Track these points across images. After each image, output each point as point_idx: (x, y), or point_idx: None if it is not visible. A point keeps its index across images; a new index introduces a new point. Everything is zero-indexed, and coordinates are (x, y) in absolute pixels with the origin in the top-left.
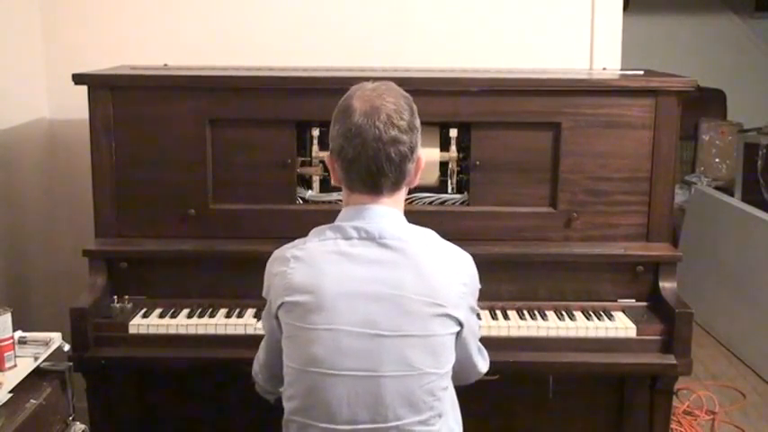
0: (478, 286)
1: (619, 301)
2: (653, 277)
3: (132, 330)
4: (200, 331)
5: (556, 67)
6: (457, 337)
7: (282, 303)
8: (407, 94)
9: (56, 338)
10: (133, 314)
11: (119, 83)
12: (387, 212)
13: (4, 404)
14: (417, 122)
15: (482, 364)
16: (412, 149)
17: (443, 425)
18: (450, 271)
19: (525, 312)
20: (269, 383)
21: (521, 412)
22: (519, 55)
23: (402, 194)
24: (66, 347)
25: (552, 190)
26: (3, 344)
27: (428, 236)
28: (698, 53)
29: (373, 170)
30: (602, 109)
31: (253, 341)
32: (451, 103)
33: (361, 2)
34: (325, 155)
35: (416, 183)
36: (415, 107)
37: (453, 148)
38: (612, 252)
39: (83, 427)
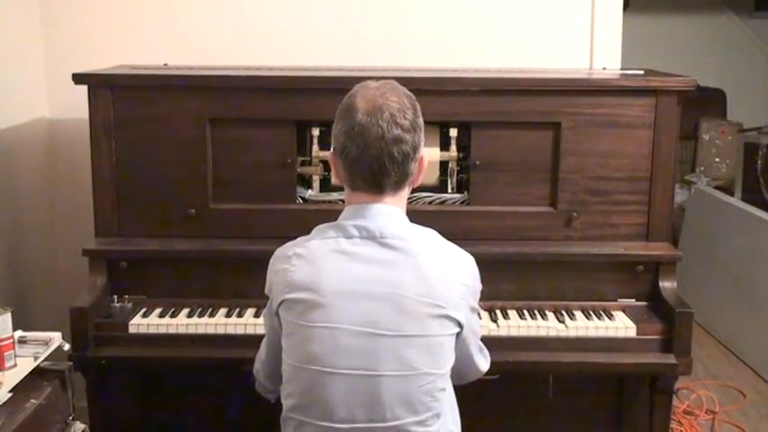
0: (480, 287)
1: (619, 300)
2: (653, 277)
3: (132, 330)
4: (200, 331)
5: (556, 67)
6: (456, 338)
7: (283, 301)
8: (410, 93)
9: (56, 338)
10: (133, 314)
11: (119, 83)
12: (388, 211)
13: (4, 404)
14: (420, 121)
15: (483, 363)
16: (415, 149)
17: (441, 426)
18: (451, 272)
19: (525, 312)
20: (269, 381)
21: (521, 412)
22: (519, 55)
23: (405, 194)
24: (67, 347)
25: (552, 190)
26: (3, 343)
27: (430, 236)
28: (698, 53)
29: (376, 169)
30: (602, 109)
31: (253, 341)
32: (451, 103)
33: (361, 2)
34: (324, 154)
35: (420, 182)
36: (418, 106)
37: (453, 147)
38: (612, 252)
39: (83, 426)
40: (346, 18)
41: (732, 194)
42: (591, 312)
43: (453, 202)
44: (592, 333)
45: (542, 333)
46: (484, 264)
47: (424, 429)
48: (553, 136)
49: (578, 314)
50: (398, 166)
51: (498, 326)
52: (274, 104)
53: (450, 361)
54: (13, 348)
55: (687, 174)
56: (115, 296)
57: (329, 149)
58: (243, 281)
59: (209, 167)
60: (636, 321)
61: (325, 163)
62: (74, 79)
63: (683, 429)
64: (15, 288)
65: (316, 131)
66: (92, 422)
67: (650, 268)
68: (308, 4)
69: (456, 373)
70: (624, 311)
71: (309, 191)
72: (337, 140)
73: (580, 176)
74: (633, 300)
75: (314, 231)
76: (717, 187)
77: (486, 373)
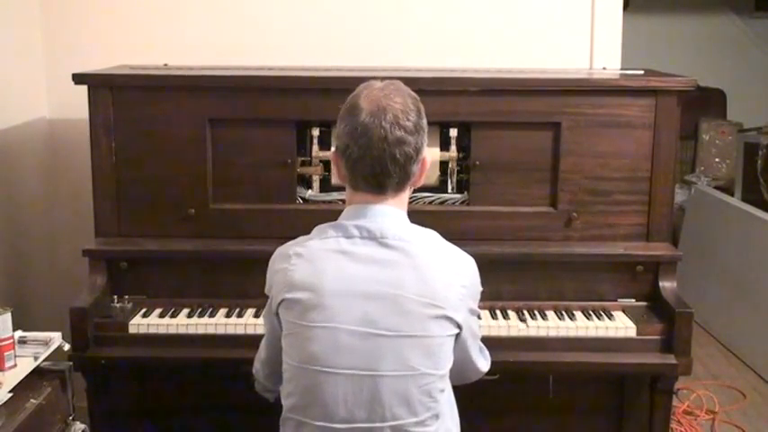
0: (480, 289)
1: (619, 300)
2: (653, 277)
3: (132, 330)
4: (200, 331)
5: (556, 67)
6: (456, 339)
7: (283, 300)
8: (415, 95)
9: (56, 338)
10: (133, 314)
11: (119, 83)
12: (389, 212)
13: (4, 404)
14: (424, 123)
15: (483, 363)
16: (417, 150)
17: (440, 426)
18: (451, 273)
19: (525, 312)
20: (269, 381)
21: (521, 412)
22: (519, 55)
23: (406, 195)
24: (67, 347)
25: (552, 190)
26: (3, 343)
27: (430, 237)
28: (698, 53)
29: (377, 170)
30: (602, 109)
31: (252, 341)
32: (451, 103)
33: (361, 2)
34: (325, 155)
35: (421, 183)
36: (422, 108)
37: (453, 147)
38: (612, 252)
39: (83, 426)
40: (347, 18)
41: (732, 194)
42: (591, 312)
43: (453, 203)
44: (592, 333)
45: (542, 333)
46: (484, 264)
47: (423, 429)
48: (553, 136)
49: (578, 314)
50: (400, 167)
51: (498, 326)
52: (274, 104)
53: (449, 362)
54: (13, 348)
55: (687, 174)
56: (115, 296)
57: (329, 150)
58: (243, 281)
59: (209, 167)
60: (636, 321)
61: (325, 163)
62: (74, 79)
63: (682, 429)
64: (15, 288)
65: (316, 131)
66: (92, 422)
67: (650, 268)
68: (309, 3)
69: (455, 374)
70: (624, 311)
71: (309, 191)
72: (340, 140)
73: (580, 177)
74: (633, 300)
75: (314, 231)
76: (717, 187)
77: (486, 373)
